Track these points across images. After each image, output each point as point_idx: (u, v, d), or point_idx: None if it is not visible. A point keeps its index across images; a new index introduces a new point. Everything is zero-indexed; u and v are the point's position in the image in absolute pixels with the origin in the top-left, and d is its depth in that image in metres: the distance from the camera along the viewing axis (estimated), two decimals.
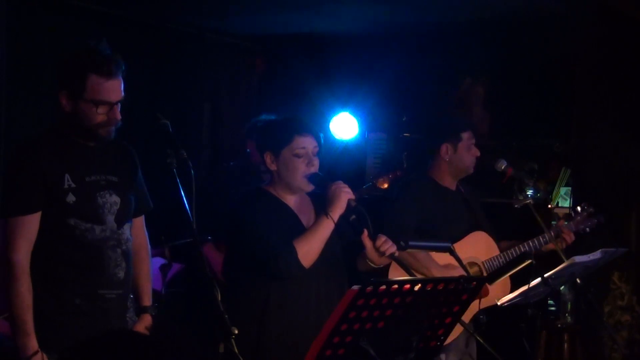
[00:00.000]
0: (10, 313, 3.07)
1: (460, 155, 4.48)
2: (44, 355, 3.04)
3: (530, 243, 4.43)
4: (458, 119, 5.33)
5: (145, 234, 3.46)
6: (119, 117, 3.11)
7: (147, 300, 3.40)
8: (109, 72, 3.06)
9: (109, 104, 3.08)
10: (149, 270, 3.46)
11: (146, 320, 3.37)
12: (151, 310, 3.40)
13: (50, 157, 3.09)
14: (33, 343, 3.03)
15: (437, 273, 4.23)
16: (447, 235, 4.16)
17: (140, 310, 3.38)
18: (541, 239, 4.43)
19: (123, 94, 3.11)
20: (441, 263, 4.25)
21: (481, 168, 4.65)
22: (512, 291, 4.23)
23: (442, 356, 4.23)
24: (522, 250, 4.42)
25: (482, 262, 4.40)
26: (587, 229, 4.59)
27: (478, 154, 4.51)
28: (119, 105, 3.11)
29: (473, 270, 4.33)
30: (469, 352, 4.47)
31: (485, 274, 4.36)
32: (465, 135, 4.50)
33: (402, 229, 4.15)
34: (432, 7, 5.73)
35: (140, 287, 3.39)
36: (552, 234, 4.45)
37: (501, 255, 4.42)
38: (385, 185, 5.91)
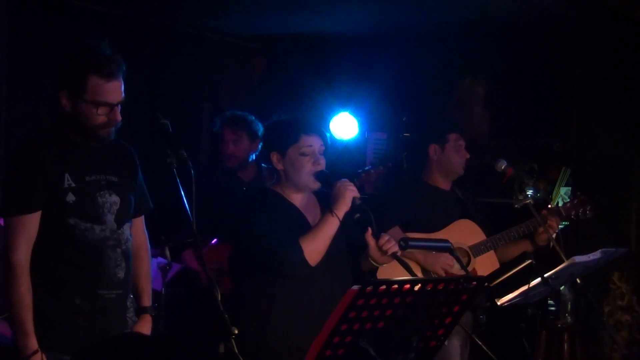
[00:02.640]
0: (10, 313, 3.07)
1: (448, 156, 4.50)
2: (44, 355, 3.04)
3: (518, 229, 4.43)
4: (447, 120, 5.32)
5: (145, 233, 3.46)
6: (119, 118, 3.11)
7: (147, 301, 3.39)
8: (110, 73, 3.05)
9: (110, 105, 3.08)
10: (149, 270, 3.45)
11: (146, 320, 3.37)
12: (151, 310, 3.39)
13: (50, 156, 3.08)
14: (33, 343, 3.03)
15: (421, 258, 4.26)
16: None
17: (140, 310, 3.37)
18: (529, 224, 4.43)
19: (123, 94, 3.11)
20: None
21: (481, 168, 4.65)
22: (507, 285, 4.24)
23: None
24: (509, 235, 4.42)
25: (469, 247, 4.40)
26: (580, 215, 4.56)
27: (467, 155, 4.52)
28: (119, 106, 3.11)
29: (465, 261, 4.34)
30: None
31: (473, 258, 4.37)
32: (451, 137, 4.51)
33: (385, 229, 4.15)
34: (432, 7, 5.73)
35: (140, 287, 3.38)
36: (540, 220, 4.44)
37: (488, 240, 4.42)
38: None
